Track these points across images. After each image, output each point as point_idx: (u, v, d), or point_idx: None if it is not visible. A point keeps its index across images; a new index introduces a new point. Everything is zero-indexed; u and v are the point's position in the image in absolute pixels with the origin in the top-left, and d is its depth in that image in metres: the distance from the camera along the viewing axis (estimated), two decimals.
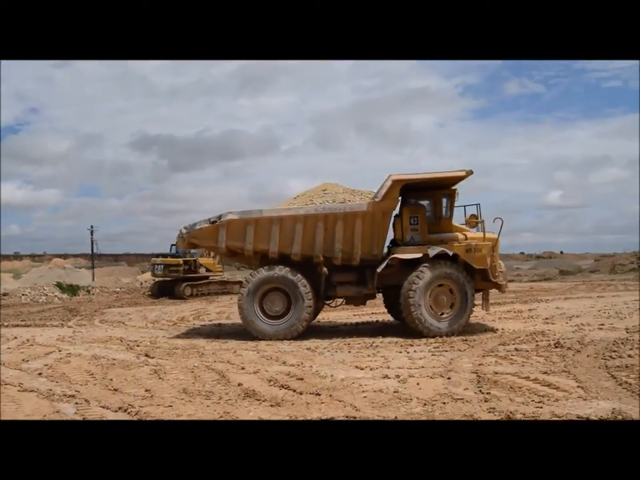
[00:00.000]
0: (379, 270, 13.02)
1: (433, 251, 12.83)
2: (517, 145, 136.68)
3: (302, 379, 8.57)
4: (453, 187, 13.86)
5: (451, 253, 12.92)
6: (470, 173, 13.01)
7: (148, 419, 6.63)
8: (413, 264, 12.94)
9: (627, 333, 12.03)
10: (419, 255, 12.92)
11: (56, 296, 27.78)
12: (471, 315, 13.39)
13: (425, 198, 13.69)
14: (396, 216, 13.52)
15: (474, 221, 13.33)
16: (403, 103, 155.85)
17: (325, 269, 13.21)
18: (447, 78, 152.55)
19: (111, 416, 6.87)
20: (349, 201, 13.49)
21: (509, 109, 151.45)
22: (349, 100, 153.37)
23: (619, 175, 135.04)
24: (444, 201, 13.81)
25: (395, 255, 13.08)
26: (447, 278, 12.89)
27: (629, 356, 9.58)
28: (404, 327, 13.40)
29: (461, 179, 13.37)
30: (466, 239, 13.39)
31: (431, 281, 12.79)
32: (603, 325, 13.42)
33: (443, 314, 12.91)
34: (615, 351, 9.98)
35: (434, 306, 12.85)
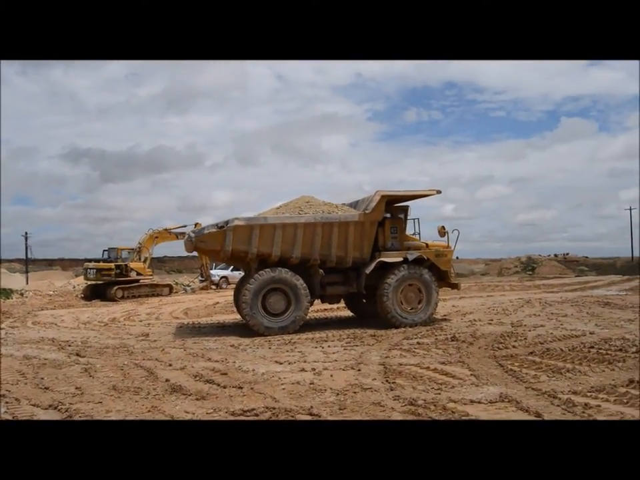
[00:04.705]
0: (367, 271, 13.32)
1: (411, 256, 13.50)
2: (415, 165, 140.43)
3: (226, 374, 8.42)
4: (406, 204, 14.41)
5: (426, 257, 13.62)
6: (439, 192, 13.88)
7: (131, 419, 6.25)
8: (389, 266, 13.37)
9: (512, 327, 12.51)
10: (401, 259, 13.47)
11: None
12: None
13: (386, 212, 13.87)
14: (378, 225, 13.67)
15: (443, 231, 13.92)
16: (316, 125, 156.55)
17: (321, 271, 13.42)
18: (357, 104, 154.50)
19: (41, 413, 6.51)
20: (331, 212, 13.53)
21: (412, 132, 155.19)
22: (268, 121, 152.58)
23: (502, 192, 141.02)
24: (401, 215, 14.28)
25: (382, 259, 13.43)
26: (417, 278, 13.42)
27: (514, 347, 9.97)
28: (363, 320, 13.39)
29: (431, 195, 14.03)
30: (427, 246, 14.15)
31: (404, 280, 13.29)
32: (492, 320, 13.90)
33: (412, 308, 13.39)
34: (502, 343, 10.35)
35: (404, 301, 13.32)
